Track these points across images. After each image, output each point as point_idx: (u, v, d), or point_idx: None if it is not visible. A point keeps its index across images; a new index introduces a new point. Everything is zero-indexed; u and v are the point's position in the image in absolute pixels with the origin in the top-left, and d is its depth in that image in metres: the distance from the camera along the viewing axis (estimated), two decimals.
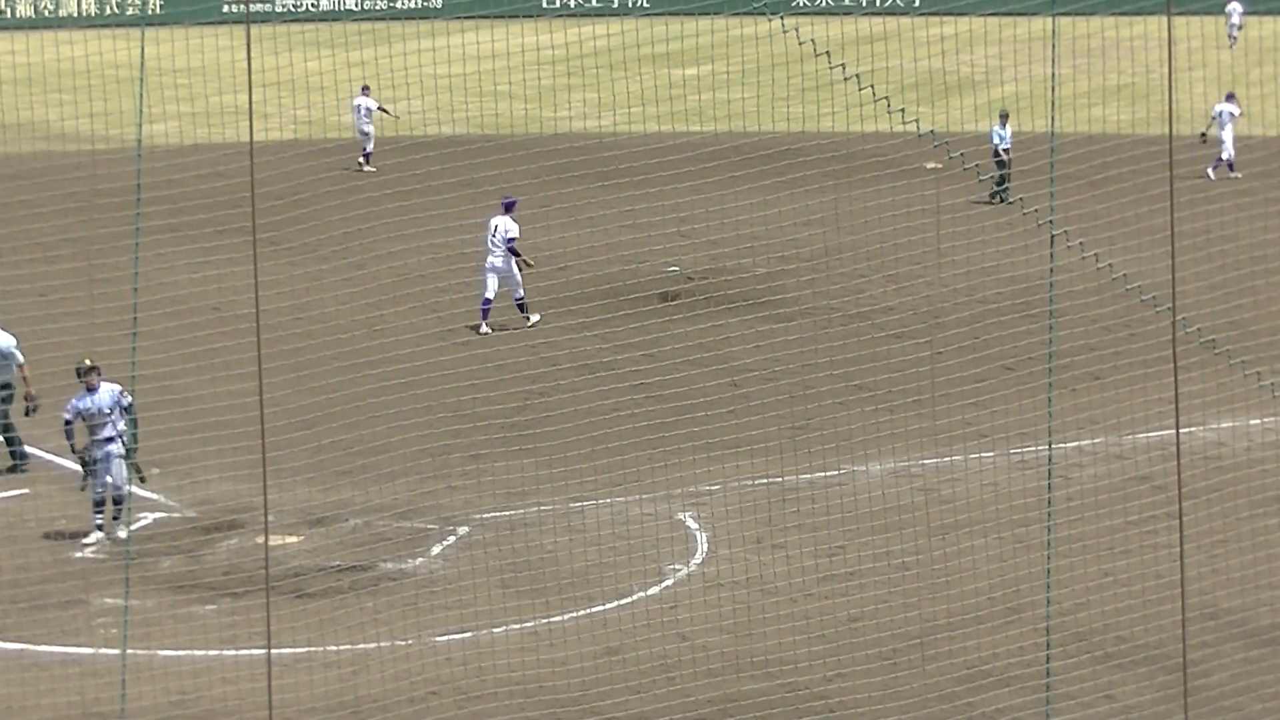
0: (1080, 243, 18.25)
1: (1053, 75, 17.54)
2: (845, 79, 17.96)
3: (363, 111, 48.35)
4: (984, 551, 21.56)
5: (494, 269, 33.04)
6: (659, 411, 26.33)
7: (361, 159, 47.96)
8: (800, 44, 18.17)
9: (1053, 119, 19.71)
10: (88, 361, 23.21)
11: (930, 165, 38.04)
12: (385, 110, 48.20)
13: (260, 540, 22.80)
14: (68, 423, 23.24)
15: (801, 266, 33.96)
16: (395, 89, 46.63)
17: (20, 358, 25.90)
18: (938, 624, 19.39)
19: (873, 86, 17.87)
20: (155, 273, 28.75)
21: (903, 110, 17.88)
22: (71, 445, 23.27)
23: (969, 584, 20.57)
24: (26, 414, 25.42)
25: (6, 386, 25.87)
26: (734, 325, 30.92)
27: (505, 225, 33.11)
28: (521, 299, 33.19)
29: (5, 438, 25.94)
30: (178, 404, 24.90)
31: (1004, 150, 41.94)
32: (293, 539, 23.23)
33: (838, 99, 21.94)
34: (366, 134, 48.31)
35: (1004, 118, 42.73)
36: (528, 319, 33.05)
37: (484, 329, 32.81)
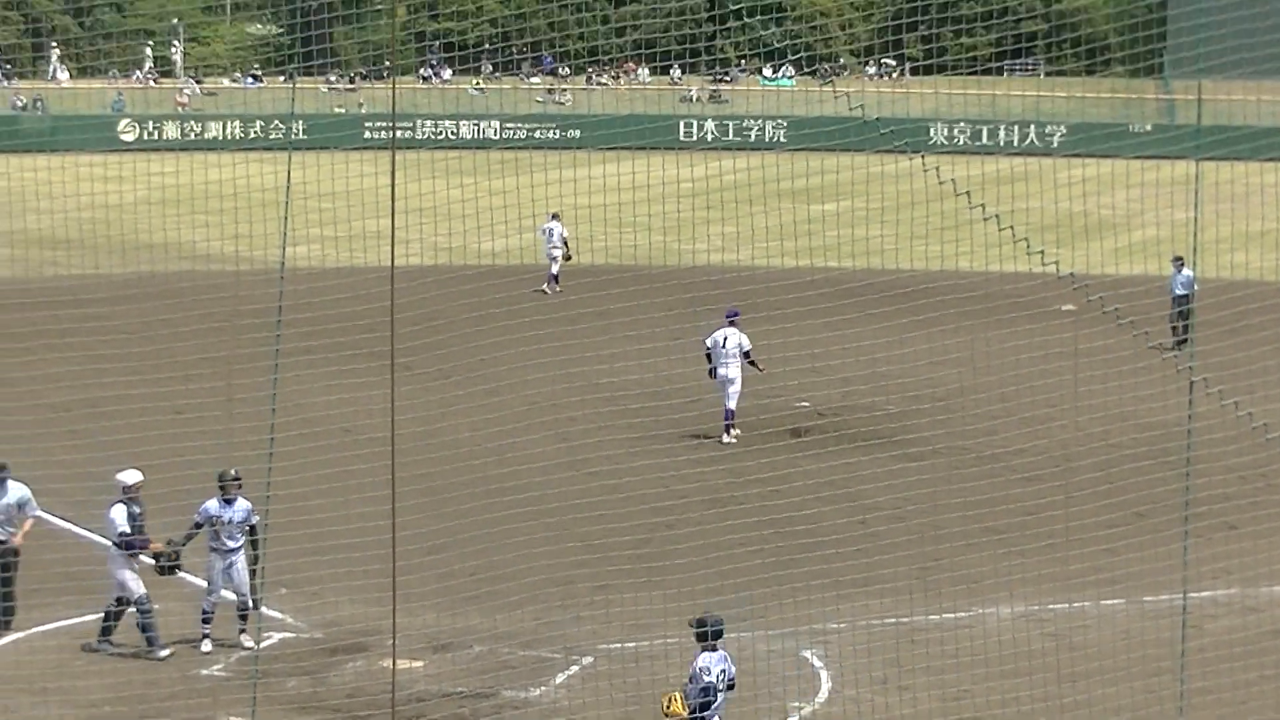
0: (1219, 390, 18.01)
1: (1194, 219, 17.39)
2: (985, 219, 17.89)
3: (553, 236, 48.91)
4: (1114, 701, 21.17)
5: (727, 380, 33.40)
6: (786, 547, 26.16)
7: (548, 283, 48.38)
8: (941, 183, 18.14)
9: (1195, 264, 19.54)
10: (234, 472, 23.57)
11: (1067, 307, 37.77)
12: (565, 246, 48.53)
13: (385, 664, 22.79)
14: (197, 525, 23.51)
15: (935, 406, 33.75)
16: (537, 219, 47.09)
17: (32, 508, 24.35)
18: None
19: (1012, 227, 17.80)
20: (290, 394, 29.00)
21: (1041, 251, 17.77)
22: (174, 549, 23.39)
23: None
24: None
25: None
26: (864, 463, 30.72)
27: (735, 337, 33.55)
28: (732, 412, 33.56)
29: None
30: (308, 524, 25.02)
31: (1181, 297, 40.17)
32: (417, 664, 23.21)
33: (976, 238, 21.87)
34: (554, 258, 48.83)
35: (1179, 262, 39.84)
36: (728, 435, 33.34)
37: (727, 439, 33.25)
